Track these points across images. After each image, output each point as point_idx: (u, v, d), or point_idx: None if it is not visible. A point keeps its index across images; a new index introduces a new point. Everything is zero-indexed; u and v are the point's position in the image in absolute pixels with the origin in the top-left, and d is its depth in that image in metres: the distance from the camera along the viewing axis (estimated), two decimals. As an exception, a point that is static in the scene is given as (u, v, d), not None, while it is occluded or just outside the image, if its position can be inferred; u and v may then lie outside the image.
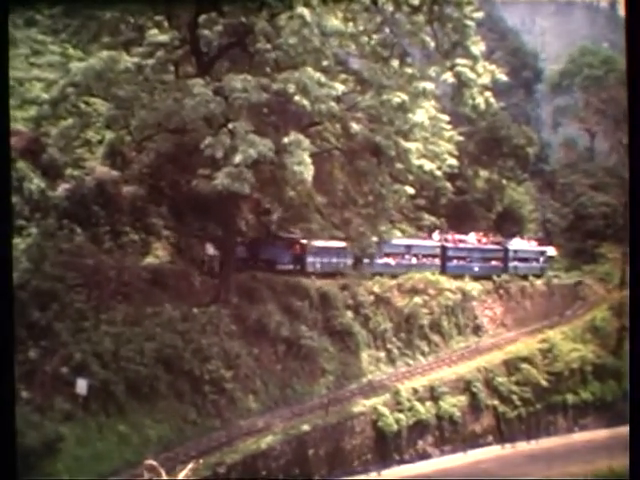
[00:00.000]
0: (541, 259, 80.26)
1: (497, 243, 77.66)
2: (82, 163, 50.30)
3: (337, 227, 58.62)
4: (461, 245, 74.16)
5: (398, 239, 65.31)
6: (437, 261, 71.03)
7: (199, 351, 45.70)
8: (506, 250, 77.12)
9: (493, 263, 75.85)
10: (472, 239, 75.81)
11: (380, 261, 64.45)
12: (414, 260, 68.86)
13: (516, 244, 78.94)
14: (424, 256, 70.34)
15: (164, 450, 41.06)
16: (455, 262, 72.36)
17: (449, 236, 74.17)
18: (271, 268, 56.94)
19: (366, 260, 61.96)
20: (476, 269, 73.42)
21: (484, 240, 77.17)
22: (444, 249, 72.14)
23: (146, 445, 41.13)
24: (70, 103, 46.88)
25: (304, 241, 59.05)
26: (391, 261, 66.65)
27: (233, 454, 43.27)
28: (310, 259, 59.83)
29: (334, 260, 61.34)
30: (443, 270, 70.69)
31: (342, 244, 58.65)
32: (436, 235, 73.63)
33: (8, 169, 14.36)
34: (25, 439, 34.76)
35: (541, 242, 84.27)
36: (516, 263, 77.26)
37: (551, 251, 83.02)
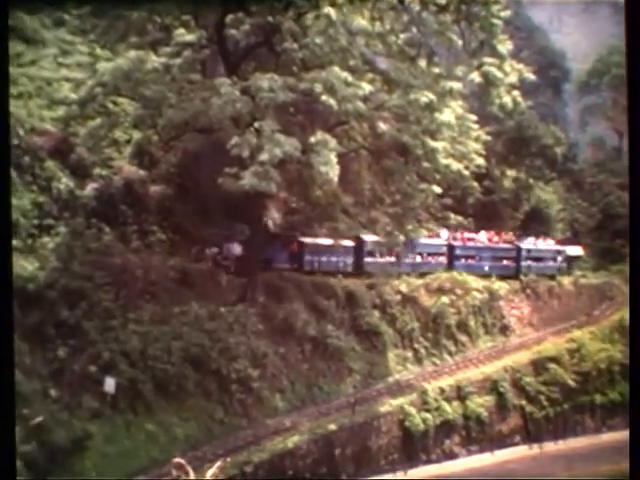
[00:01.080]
0: (559, 258, 78.98)
1: (510, 242, 76.44)
2: (110, 163, 50.52)
3: (364, 226, 58.67)
4: (470, 244, 72.96)
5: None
6: (443, 259, 69.88)
7: (226, 350, 45.82)
8: (519, 249, 75.86)
9: (505, 262, 74.60)
10: (483, 238, 74.74)
11: (381, 260, 63.65)
12: (418, 259, 67.78)
13: (530, 243, 77.70)
14: (430, 255, 69.19)
15: (191, 449, 41.24)
16: (463, 261, 71.18)
17: (458, 234, 73.16)
18: (267, 266, 55.74)
19: (393, 259, 62.04)
20: (486, 268, 72.05)
21: (496, 239, 76.04)
22: (451, 247, 70.88)
23: (173, 443, 41.32)
24: (98, 103, 47.17)
25: (303, 239, 58.47)
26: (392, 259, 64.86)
27: (260, 453, 43.36)
28: (308, 257, 58.65)
29: (333, 259, 60.18)
30: (450, 268, 69.55)
31: (342, 242, 58.36)
32: (444, 233, 72.15)
33: (8, 168, 14.43)
34: (53, 437, 35.09)
35: (569, 242, 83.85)
36: (529, 263, 75.92)
37: (578, 251, 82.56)
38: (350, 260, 61.24)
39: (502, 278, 71.75)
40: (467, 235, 73.85)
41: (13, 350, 15.30)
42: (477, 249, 73.05)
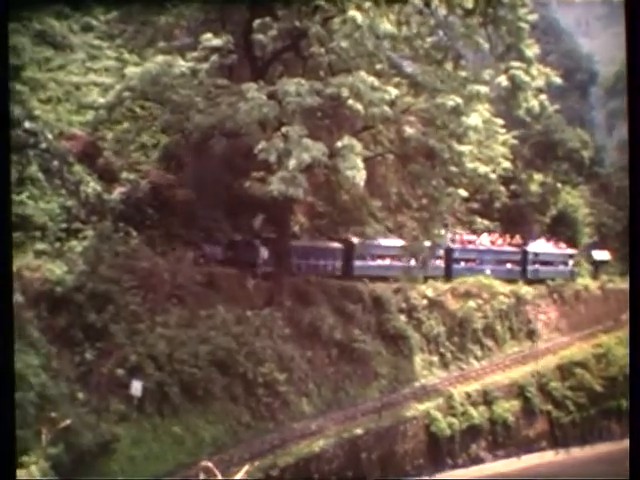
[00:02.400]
0: (570, 262, 77.46)
1: (516, 245, 74.54)
2: (137, 167, 50.75)
3: (391, 231, 58.66)
4: (470, 246, 71.00)
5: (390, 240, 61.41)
6: (440, 263, 66.41)
7: (253, 354, 45.88)
8: (524, 252, 74.13)
9: (509, 266, 72.79)
10: (485, 240, 73.04)
11: (372, 263, 61.80)
12: (412, 262, 62.60)
13: (537, 246, 75.82)
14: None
15: (217, 452, 41.27)
16: (462, 264, 68.95)
17: (456, 237, 71.00)
18: (251, 270, 54.46)
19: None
20: (487, 272, 69.79)
21: (500, 242, 74.07)
22: (449, 251, 68.27)
23: (200, 447, 41.38)
24: (126, 107, 47.51)
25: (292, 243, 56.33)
26: (386, 262, 62.60)
27: (286, 457, 43.39)
28: (294, 260, 56.10)
29: (321, 262, 58.41)
30: (448, 273, 67.36)
31: (331, 244, 57.81)
32: (415, 234, 68.64)
33: (8, 167, 14.53)
34: (81, 439, 35.19)
35: (595, 246, 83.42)
36: (537, 266, 74.20)
37: (605, 255, 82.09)
38: (339, 263, 59.51)
39: (508, 282, 70.63)
40: (467, 237, 72.12)
41: (13, 351, 15.38)
42: (478, 252, 70.94)
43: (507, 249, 73.38)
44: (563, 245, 77.94)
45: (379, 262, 62.05)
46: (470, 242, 71.51)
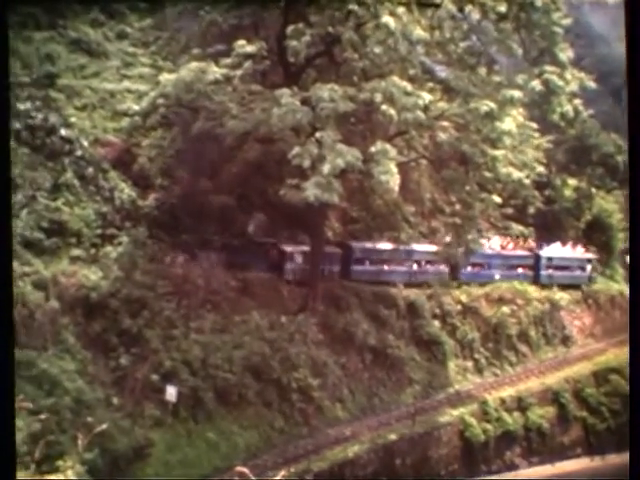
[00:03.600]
0: (588, 267, 74.85)
1: (529, 249, 72.31)
2: (172, 173, 50.94)
3: (424, 236, 58.54)
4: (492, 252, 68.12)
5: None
6: (443, 268, 63.88)
7: (287, 359, 45.97)
8: (537, 257, 71.94)
9: (520, 271, 70.39)
10: (495, 244, 69.64)
11: (371, 268, 59.59)
12: (415, 267, 62.74)
13: (552, 251, 73.45)
14: (428, 262, 63.20)
15: (251, 457, 41.45)
16: (470, 269, 66.35)
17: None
18: (285, 276, 54.22)
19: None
20: (497, 277, 67.71)
21: (511, 246, 71.34)
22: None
23: (234, 452, 41.53)
24: (160, 114, 47.69)
25: (283, 247, 55.01)
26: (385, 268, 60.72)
27: (320, 462, 43.42)
28: (289, 266, 54.60)
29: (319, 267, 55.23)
30: (454, 277, 64.73)
31: (329, 249, 56.34)
32: (448, 239, 67.37)
33: (8, 167, 14.60)
34: (116, 444, 35.39)
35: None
36: (551, 271, 71.77)
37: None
38: (336, 268, 57.37)
39: (542, 288, 69.54)
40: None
41: (14, 352, 15.44)
42: (485, 256, 67.11)
43: (518, 253, 71.30)
44: (581, 249, 76.39)
45: (378, 267, 60.17)
46: None
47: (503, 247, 70.52)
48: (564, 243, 74.69)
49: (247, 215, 53.46)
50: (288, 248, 54.18)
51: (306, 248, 54.55)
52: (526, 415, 57.87)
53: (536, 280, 70.72)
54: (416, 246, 59.58)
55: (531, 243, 72.60)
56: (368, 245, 58.30)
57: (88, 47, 56.00)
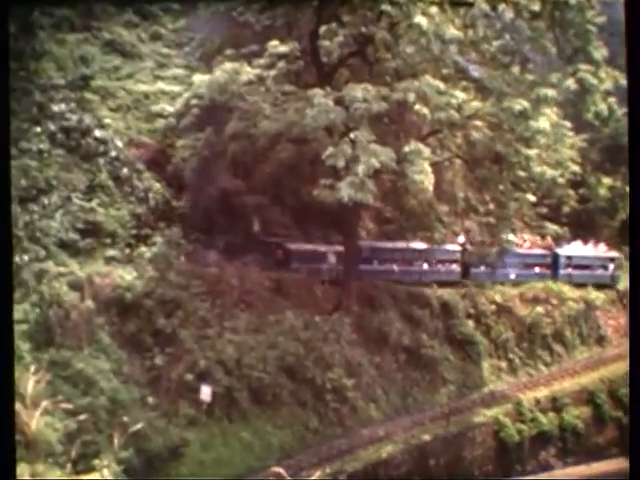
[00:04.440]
0: (611, 266, 72.17)
1: (547, 248, 70.21)
2: (206, 173, 51.05)
3: (458, 236, 58.40)
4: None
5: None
6: (455, 267, 62.94)
7: (321, 359, 45.93)
8: (555, 255, 70.00)
9: (537, 270, 68.48)
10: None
11: (380, 267, 58.31)
12: (425, 266, 61.30)
13: (572, 249, 71.54)
14: (440, 262, 62.20)
15: (285, 457, 41.45)
16: (483, 268, 63.65)
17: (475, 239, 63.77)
18: (319, 275, 54.00)
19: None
20: (512, 276, 65.68)
21: (527, 244, 68.83)
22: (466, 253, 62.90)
23: (268, 452, 41.57)
24: (194, 115, 47.88)
25: (288, 245, 54.10)
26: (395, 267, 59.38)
27: (354, 462, 43.37)
28: (294, 265, 53.68)
29: (324, 266, 54.95)
30: (465, 277, 62.92)
31: (331, 248, 55.44)
32: (462, 238, 63.95)
33: (8, 167, 14.73)
34: (151, 444, 35.60)
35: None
36: (570, 270, 69.59)
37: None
38: (339, 267, 55.15)
39: (577, 287, 68.43)
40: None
41: (13, 352, 15.52)
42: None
43: (535, 252, 68.94)
44: (604, 248, 74.74)
45: (386, 266, 58.90)
46: (492, 244, 62.30)
47: (519, 245, 66.80)
48: (598, 242, 73.85)
49: (280, 215, 53.56)
50: (292, 246, 53.56)
51: (316, 247, 54.87)
52: (561, 415, 57.50)
53: (554, 279, 69.01)
54: (427, 245, 58.55)
55: (549, 241, 71.51)
56: (376, 244, 57.88)
57: (122, 49, 56.29)
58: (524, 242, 67.96)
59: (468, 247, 62.03)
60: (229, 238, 50.46)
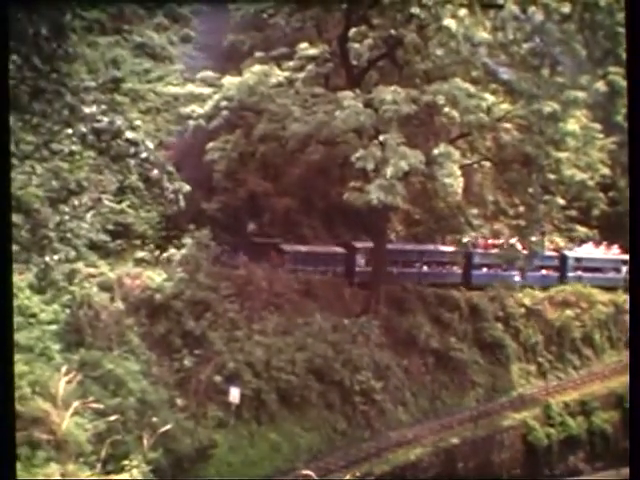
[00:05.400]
0: (624, 269, 68.68)
1: (555, 250, 68.64)
2: (235, 175, 51.21)
3: (487, 239, 58.23)
4: (494, 251, 61.53)
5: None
6: (456, 269, 61.79)
7: (349, 362, 45.92)
8: (563, 257, 68.64)
9: (543, 272, 66.69)
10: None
11: None
12: (425, 268, 60.04)
13: (582, 251, 70.38)
14: (440, 264, 61.19)
15: (313, 459, 41.48)
16: (485, 270, 63.23)
17: (479, 241, 63.27)
18: (348, 278, 54.23)
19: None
20: (517, 278, 64.07)
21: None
22: (468, 255, 62.11)
23: (296, 454, 41.60)
24: (223, 117, 47.99)
25: (283, 246, 53.33)
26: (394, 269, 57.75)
27: (382, 465, 43.32)
28: (290, 266, 52.89)
29: (321, 268, 54.02)
30: (467, 280, 61.76)
31: (332, 249, 55.18)
32: (465, 239, 61.78)
33: (8, 168, 14.84)
34: (179, 445, 35.70)
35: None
36: (579, 273, 68.08)
37: None
38: (341, 269, 55.31)
39: (607, 290, 67.83)
40: (491, 242, 63.55)
41: (13, 353, 15.59)
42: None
43: (545, 254, 64.37)
44: (617, 250, 73.23)
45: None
46: (495, 246, 61.85)
47: (524, 247, 62.78)
48: (622, 245, 71.99)
49: (309, 217, 53.64)
50: (287, 247, 52.92)
51: (314, 249, 54.22)
52: (590, 419, 57.25)
53: (562, 281, 67.72)
54: (429, 247, 59.12)
55: (559, 243, 70.55)
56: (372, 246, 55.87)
57: (152, 51, 56.59)
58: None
59: (470, 250, 61.89)
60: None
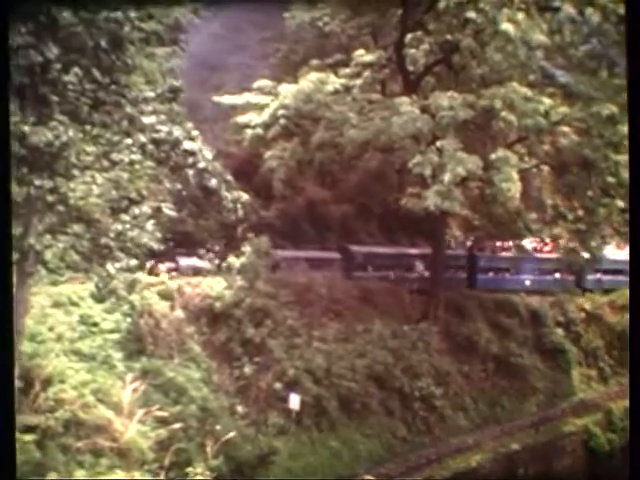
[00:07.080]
0: None
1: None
2: (293, 183, 51.42)
3: (546, 244, 57.84)
4: (504, 254, 62.23)
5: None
6: (461, 273, 60.14)
7: (409, 368, 45.85)
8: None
9: (557, 276, 64.62)
10: (527, 246, 61.39)
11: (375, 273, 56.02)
12: (426, 274, 56.76)
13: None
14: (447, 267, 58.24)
15: (374, 466, 41.38)
16: (491, 274, 61.98)
17: (485, 243, 62.83)
18: (407, 284, 54.06)
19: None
20: (527, 282, 62.46)
21: (547, 248, 63.07)
22: (473, 258, 61.11)
23: (356, 460, 41.53)
24: (281, 125, 48.22)
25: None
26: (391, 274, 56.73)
27: (442, 471, 43.15)
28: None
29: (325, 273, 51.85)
30: (472, 284, 60.07)
31: (328, 254, 53.89)
32: (469, 242, 62.96)
33: (8, 168, 15.00)
34: (240, 452, 35.89)
35: None
36: (599, 276, 64.90)
37: None
38: (338, 274, 53.30)
39: (604, 293, 64.88)
40: (499, 244, 63.34)
41: (13, 355, 15.71)
42: (511, 260, 61.87)
43: (555, 256, 60.17)
44: None
45: (382, 273, 56.08)
46: (504, 249, 62.49)
47: (537, 250, 63.34)
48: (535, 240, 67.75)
49: (367, 224, 53.71)
50: (287, 254, 51.41)
51: (316, 253, 53.59)
52: (653, 425, 56.57)
53: (579, 285, 65.09)
54: (428, 251, 56.77)
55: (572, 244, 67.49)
56: (369, 249, 56.30)
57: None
58: (544, 245, 63.12)
59: (475, 253, 61.53)
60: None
